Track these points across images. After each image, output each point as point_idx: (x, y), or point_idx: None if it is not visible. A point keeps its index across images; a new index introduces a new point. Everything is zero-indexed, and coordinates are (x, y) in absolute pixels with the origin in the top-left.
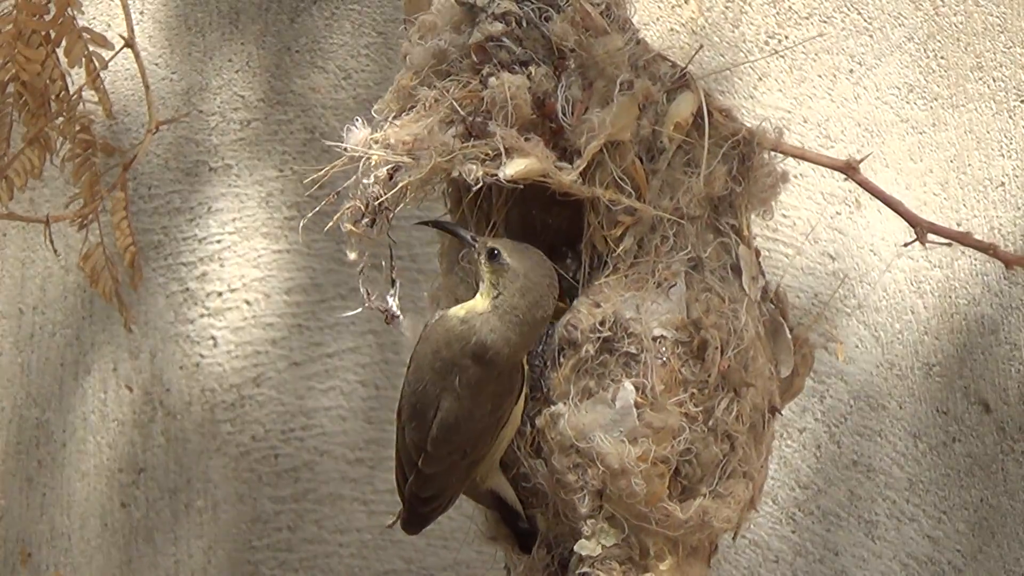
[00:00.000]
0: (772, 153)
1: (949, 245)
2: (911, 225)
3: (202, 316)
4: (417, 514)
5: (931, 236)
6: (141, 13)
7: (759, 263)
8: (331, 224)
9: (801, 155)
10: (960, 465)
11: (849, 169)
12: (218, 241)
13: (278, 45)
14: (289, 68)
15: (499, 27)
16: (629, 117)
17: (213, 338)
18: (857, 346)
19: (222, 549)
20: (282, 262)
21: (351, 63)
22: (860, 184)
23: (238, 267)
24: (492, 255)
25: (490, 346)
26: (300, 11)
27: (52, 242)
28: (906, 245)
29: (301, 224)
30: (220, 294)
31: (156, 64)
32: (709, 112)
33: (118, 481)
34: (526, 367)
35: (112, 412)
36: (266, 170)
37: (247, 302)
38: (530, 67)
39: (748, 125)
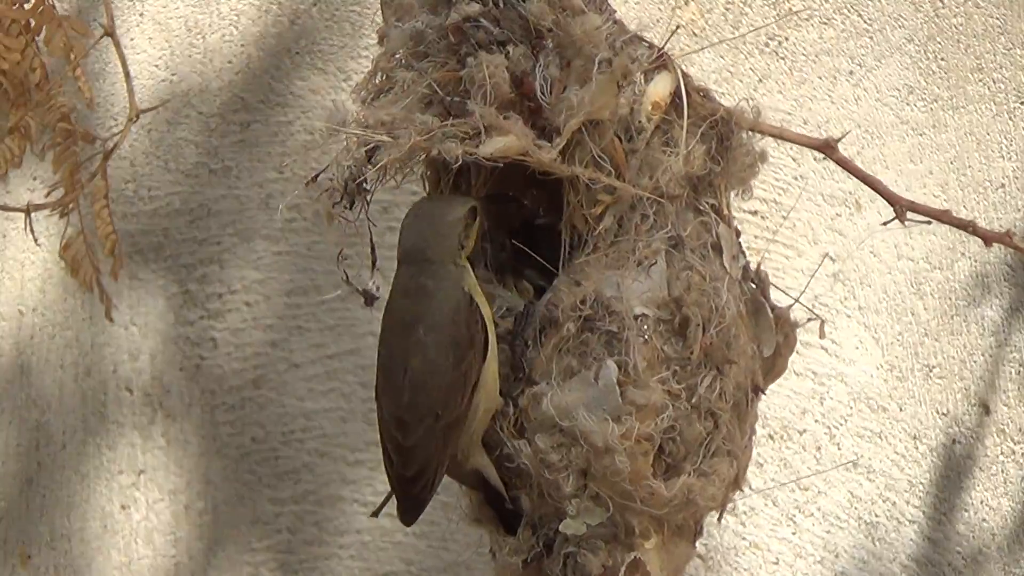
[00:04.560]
0: (750, 133)
1: (928, 223)
2: (889, 203)
3: (202, 318)
4: (409, 498)
5: (911, 215)
6: (141, 15)
7: (739, 243)
8: (310, 199)
9: (779, 134)
10: (960, 467)
11: (827, 148)
12: (218, 243)
13: (278, 47)
14: (289, 70)
15: (476, 8)
16: (608, 95)
17: (213, 340)
18: (857, 348)
19: (222, 551)
20: (282, 264)
21: (351, 64)
22: (838, 163)
23: (238, 269)
24: None
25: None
26: (300, 13)
27: (32, 231)
28: (885, 224)
29: (281, 206)
30: (220, 296)
31: (156, 66)
32: (687, 92)
33: (118, 483)
34: (487, 322)
35: (112, 414)
36: (266, 172)
37: (247, 304)
38: (508, 47)
39: (726, 105)
